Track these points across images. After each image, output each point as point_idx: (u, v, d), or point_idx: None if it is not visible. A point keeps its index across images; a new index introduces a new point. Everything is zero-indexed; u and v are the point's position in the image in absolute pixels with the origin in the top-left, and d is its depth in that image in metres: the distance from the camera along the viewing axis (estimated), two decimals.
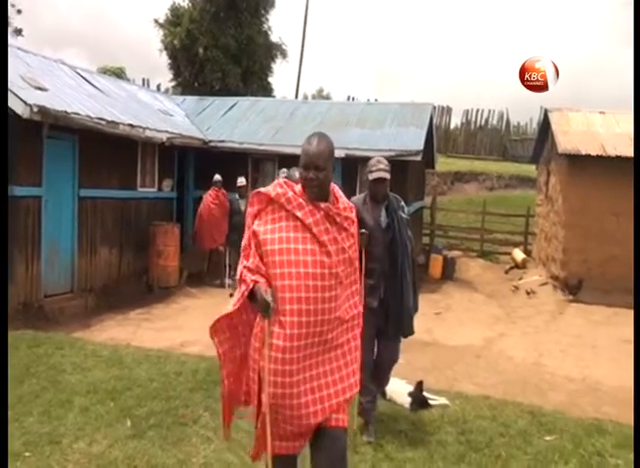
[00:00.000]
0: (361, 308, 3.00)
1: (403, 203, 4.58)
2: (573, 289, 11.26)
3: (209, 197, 11.30)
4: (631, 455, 4.38)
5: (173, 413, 4.71)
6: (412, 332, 4.51)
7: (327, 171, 2.79)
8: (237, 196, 10.97)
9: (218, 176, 11.36)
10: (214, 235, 11.22)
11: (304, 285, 2.71)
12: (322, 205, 2.80)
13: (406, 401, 5.22)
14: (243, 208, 10.44)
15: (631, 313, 10.42)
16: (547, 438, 4.67)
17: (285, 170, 8.81)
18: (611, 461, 4.31)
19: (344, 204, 2.91)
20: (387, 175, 4.33)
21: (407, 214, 4.57)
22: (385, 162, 4.42)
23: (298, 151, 11.83)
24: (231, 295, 10.42)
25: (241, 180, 10.99)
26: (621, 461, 4.31)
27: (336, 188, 2.93)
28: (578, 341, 8.63)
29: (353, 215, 2.94)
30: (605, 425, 5.07)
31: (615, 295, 11.04)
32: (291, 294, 2.70)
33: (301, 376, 2.74)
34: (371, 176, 4.33)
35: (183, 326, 8.52)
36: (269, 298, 2.64)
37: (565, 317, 10.27)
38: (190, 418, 4.64)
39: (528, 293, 11.96)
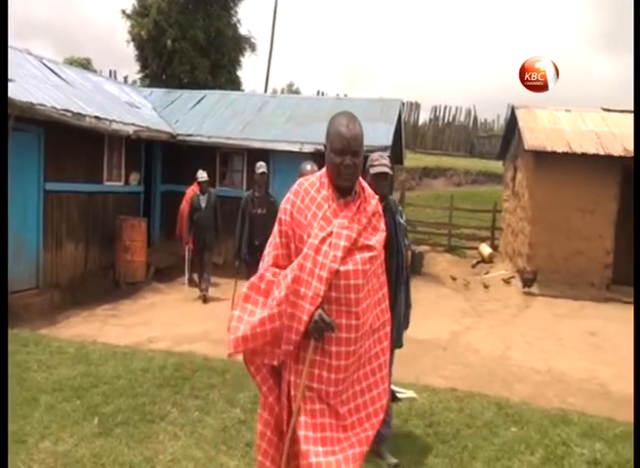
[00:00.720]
0: (389, 315, 2.77)
1: (401, 207, 4.34)
2: (527, 282, 11.46)
3: (191, 193, 10.67)
4: (597, 444, 4.50)
5: (140, 410, 4.65)
6: (400, 345, 4.27)
7: (361, 156, 2.62)
8: (198, 192, 10.05)
9: (201, 172, 10.64)
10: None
11: (345, 298, 2.50)
12: (349, 200, 2.60)
13: None
14: (204, 204, 9.86)
15: (596, 306, 10.71)
16: (513, 429, 4.75)
17: (262, 163, 8.23)
18: (576, 450, 4.40)
19: (371, 195, 2.72)
20: (390, 171, 4.00)
21: (404, 219, 4.29)
22: (387, 157, 4.10)
23: (267, 146, 11.76)
24: (204, 300, 9.76)
25: (202, 175, 10.02)
26: (586, 450, 4.40)
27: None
28: (543, 334, 8.77)
29: (380, 208, 2.73)
30: (570, 415, 5.17)
31: (580, 289, 11.29)
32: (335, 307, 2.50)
33: (339, 399, 2.57)
34: (373, 170, 3.97)
35: (151, 321, 8.44)
36: (332, 320, 2.47)
37: (531, 310, 10.43)
38: (158, 415, 4.60)
39: (485, 287, 12.15)
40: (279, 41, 75.23)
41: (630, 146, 11.33)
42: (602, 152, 11.27)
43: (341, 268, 2.47)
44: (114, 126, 10.40)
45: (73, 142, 9.72)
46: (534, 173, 11.99)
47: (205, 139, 12.42)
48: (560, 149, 11.41)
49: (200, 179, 10.01)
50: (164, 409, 4.72)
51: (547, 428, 4.78)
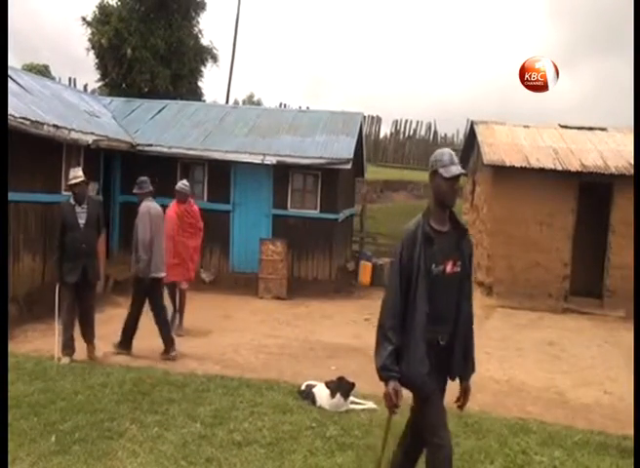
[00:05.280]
0: None
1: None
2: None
3: (173, 211, 8.60)
4: (556, 452, 4.59)
5: (98, 427, 4.57)
6: None
7: None
8: (72, 201, 6.92)
9: (184, 183, 8.77)
10: (187, 262, 8.84)
11: None
12: None
13: (331, 403, 5.34)
14: (83, 220, 6.84)
15: (553, 317, 10.91)
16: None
17: (446, 150, 3.62)
18: (535, 458, 4.47)
19: None
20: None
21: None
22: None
23: (228, 157, 11.48)
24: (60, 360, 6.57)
25: (77, 175, 6.86)
26: (546, 458, 4.48)
27: None
28: (503, 344, 8.89)
29: None
30: (529, 424, 5.25)
31: (538, 300, 11.51)
32: None
33: None
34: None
35: (109, 336, 8.25)
36: None
37: (491, 321, 10.57)
38: (116, 431, 4.52)
39: None
40: (240, 52, 75.21)
41: (586, 162, 11.68)
42: (559, 167, 11.53)
43: None
44: (73, 135, 10.22)
45: (31, 151, 9.51)
46: (492, 186, 12.20)
47: (165, 150, 12.31)
48: (518, 164, 11.64)
49: (72, 180, 6.87)
50: (123, 425, 4.64)
51: (507, 437, 4.85)
